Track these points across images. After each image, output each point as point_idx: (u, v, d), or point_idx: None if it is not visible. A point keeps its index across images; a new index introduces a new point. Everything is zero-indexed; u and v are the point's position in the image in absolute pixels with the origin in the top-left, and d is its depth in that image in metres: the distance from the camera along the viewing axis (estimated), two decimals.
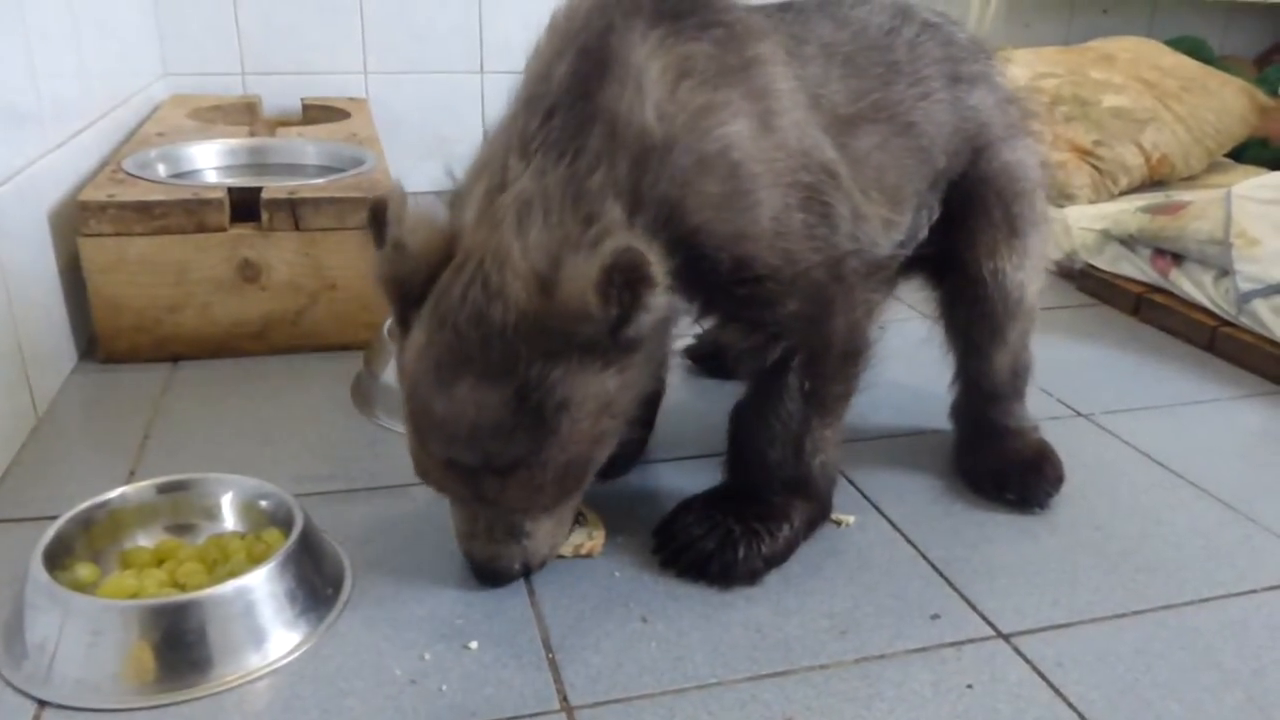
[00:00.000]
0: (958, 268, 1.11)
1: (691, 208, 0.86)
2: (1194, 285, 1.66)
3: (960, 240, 1.10)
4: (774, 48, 0.94)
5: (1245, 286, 1.54)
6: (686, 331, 1.38)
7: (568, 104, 0.85)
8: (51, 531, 0.91)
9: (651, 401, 1.19)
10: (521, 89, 0.90)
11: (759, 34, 0.93)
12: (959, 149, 1.08)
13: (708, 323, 1.08)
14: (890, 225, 1.04)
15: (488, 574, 0.94)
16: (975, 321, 1.13)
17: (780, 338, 0.95)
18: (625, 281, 0.76)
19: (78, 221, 1.36)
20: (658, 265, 0.77)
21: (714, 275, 0.89)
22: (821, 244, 0.93)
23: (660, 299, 0.78)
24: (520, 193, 0.82)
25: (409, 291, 0.86)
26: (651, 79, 0.85)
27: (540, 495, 0.87)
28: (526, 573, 0.95)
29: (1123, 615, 0.96)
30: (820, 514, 1.05)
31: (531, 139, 0.85)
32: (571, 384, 0.81)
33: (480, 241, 0.82)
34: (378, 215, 0.86)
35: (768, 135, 0.89)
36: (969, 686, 0.86)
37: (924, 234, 1.11)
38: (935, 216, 1.11)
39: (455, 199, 0.89)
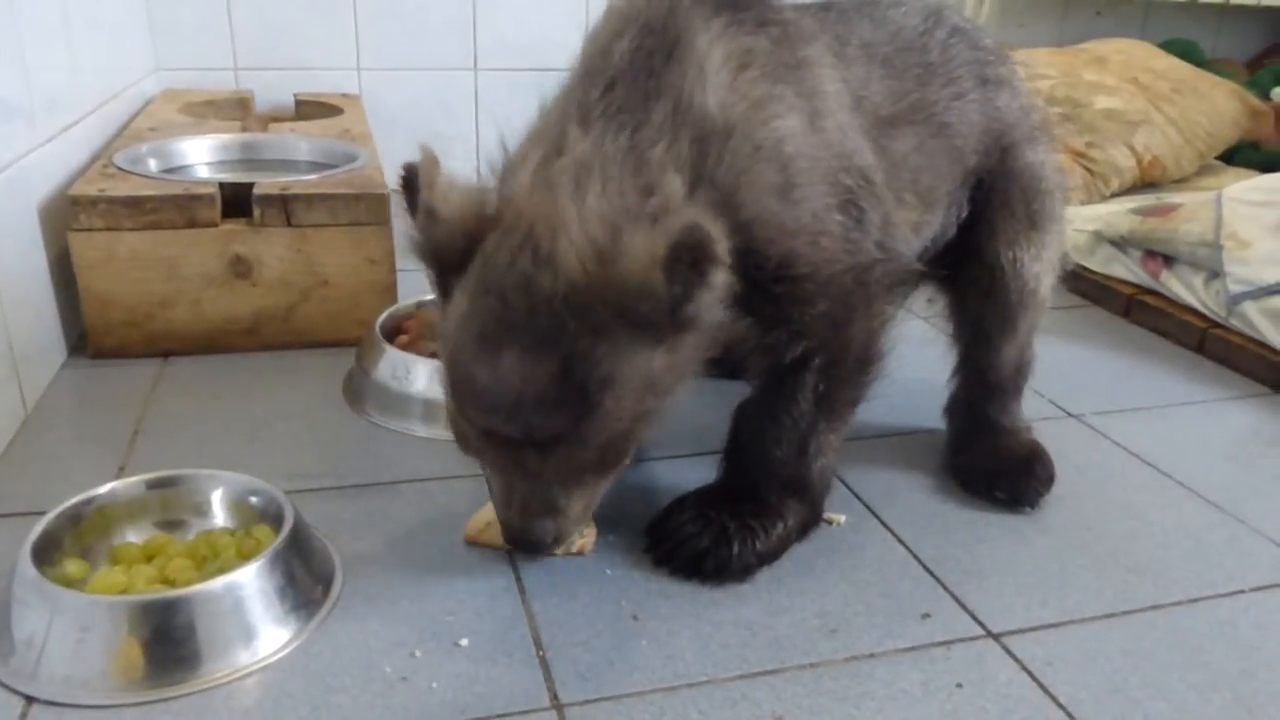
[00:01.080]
0: (976, 257, 1.13)
1: (746, 198, 0.86)
2: (1185, 287, 1.66)
3: (981, 231, 1.12)
4: (823, 50, 0.95)
5: (1235, 289, 1.55)
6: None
7: (630, 77, 0.85)
8: (40, 527, 0.91)
9: None
10: (579, 65, 0.90)
11: (810, 36, 0.94)
12: (989, 148, 1.10)
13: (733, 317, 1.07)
14: (920, 227, 1.05)
15: (523, 543, 0.91)
16: (989, 309, 1.14)
17: (802, 336, 0.95)
18: (692, 259, 0.74)
19: (68, 216, 1.35)
20: (723, 243, 0.76)
21: (759, 271, 0.88)
22: (853, 248, 0.93)
23: (723, 277, 0.77)
24: (579, 157, 0.81)
25: (446, 258, 0.84)
26: (715, 65, 0.86)
27: (580, 471, 0.85)
28: (557, 544, 0.92)
29: (1112, 615, 0.96)
30: (812, 518, 1.06)
31: (592, 108, 0.84)
32: (619, 360, 0.79)
33: (533, 206, 0.80)
34: (409, 182, 0.84)
35: (815, 134, 0.91)
36: (958, 686, 0.86)
37: (952, 232, 1.13)
38: (964, 214, 1.12)
39: (507, 167, 0.88)
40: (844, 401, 1.01)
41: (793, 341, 0.95)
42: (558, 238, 0.78)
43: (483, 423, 0.83)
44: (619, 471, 0.91)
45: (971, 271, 1.14)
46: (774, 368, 0.98)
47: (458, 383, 0.84)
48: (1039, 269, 1.13)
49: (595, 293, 0.77)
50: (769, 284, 0.90)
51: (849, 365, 0.98)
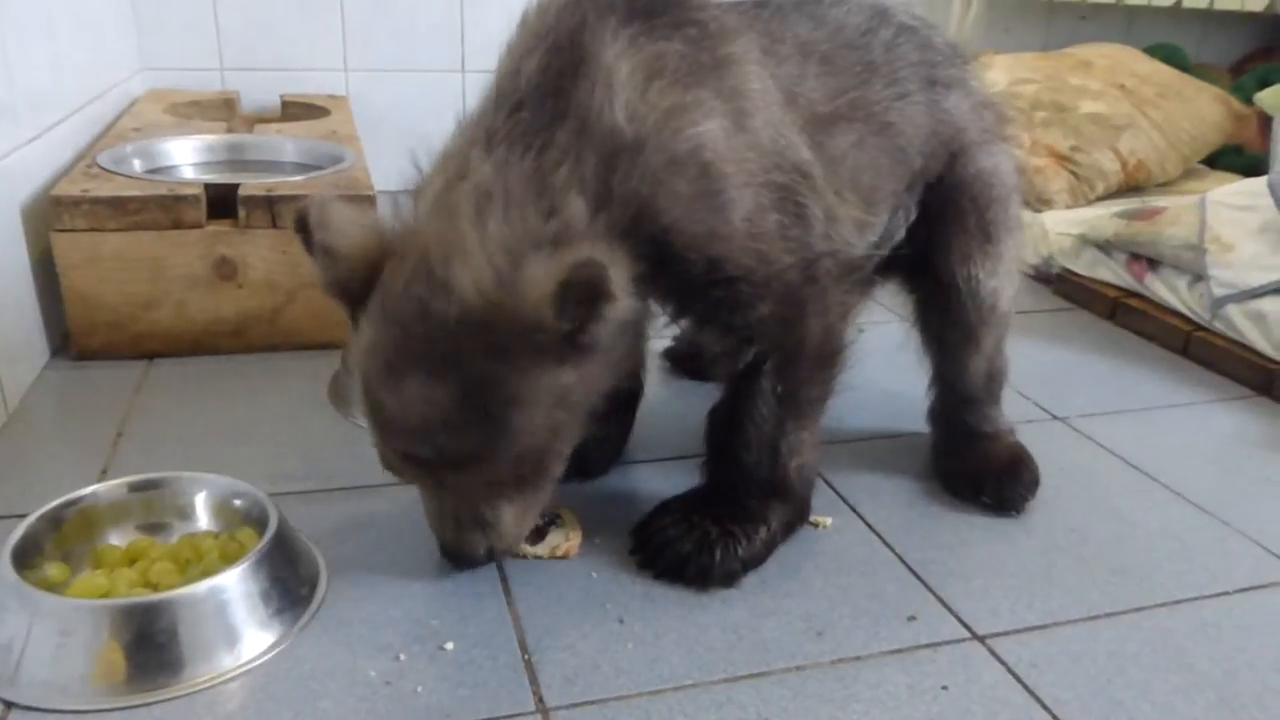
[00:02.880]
0: (932, 273, 1.12)
1: (662, 207, 0.85)
2: (1169, 290, 1.67)
3: (935, 246, 1.11)
4: (748, 46, 0.93)
5: (1219, 292, 1.56)
6: (665, 333, 1.38)
7: (537, 99, 0.84)
8: (20, 530, 0.90)
9: (630, 403, 1.18)
10: (490, 87, 0.90)
11: (733, 32, 0.93)
12: (935, 151, 1.09)
13: (684, 324, 1.07)
14: (864, 226, 1.04)
15: (455, 557, 0.93)
16: (949, 327, 1.14)
17: (752, 341, 0.95)
18: (581, 296, 0.76)
19: (51, 216, 1.34)
20: (618, 274, 0.76)
21: (687, 277, 0.89)
22: (795, 244, 0.93)
23: (620, 308, 0.78)
24: (479, 183, 0.82)
25: (350, 293, 0.85)
26: (622, 78, 0.85)
27: (499, 486, 0.87)
28: (493, 556, 0.93)
29: (1097, 617, 0.96)
30: (798, 517, 1.05)
31: (496, 132, 0.84)
32: (521, 381, 0.80)
33: (429, 232, 0.81)
34: (302, 224, 0.85)
35: (740, 135, 0.89)
36: (944, 688, 0.86)
37: (900, 235, 1.11)
38: (912, 218, 1.11)
39: (417, 190, 0.88)
40: (809, 399, 1.00)
41: (744, 346, 0.95)
42: (452, 263, 0.78)
43: (399, 446, 0.84)
44: (545, 488, 0.91)
45: (928, 288, 1.13)
46: (736, 372, 0.98)
47: (370, 410, 0.85)
48: (996, 284, 1.11)
49: (491, 318, 0.77)
50: (704, 289, 0.90)
51: (807, 362, 0.97)
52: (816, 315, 0.95)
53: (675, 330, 1.40)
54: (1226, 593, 1.01)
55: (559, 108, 0.84)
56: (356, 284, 0.85)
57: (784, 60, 0.97)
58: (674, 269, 0.87)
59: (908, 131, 1.05)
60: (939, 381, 1.20)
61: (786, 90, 0.95)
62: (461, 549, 0.91)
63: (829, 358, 0.99)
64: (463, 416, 0.80)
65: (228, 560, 0.92)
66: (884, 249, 1.11)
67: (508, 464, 0.84)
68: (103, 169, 1.46)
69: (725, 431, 1.01)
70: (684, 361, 1.45)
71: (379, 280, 0.83)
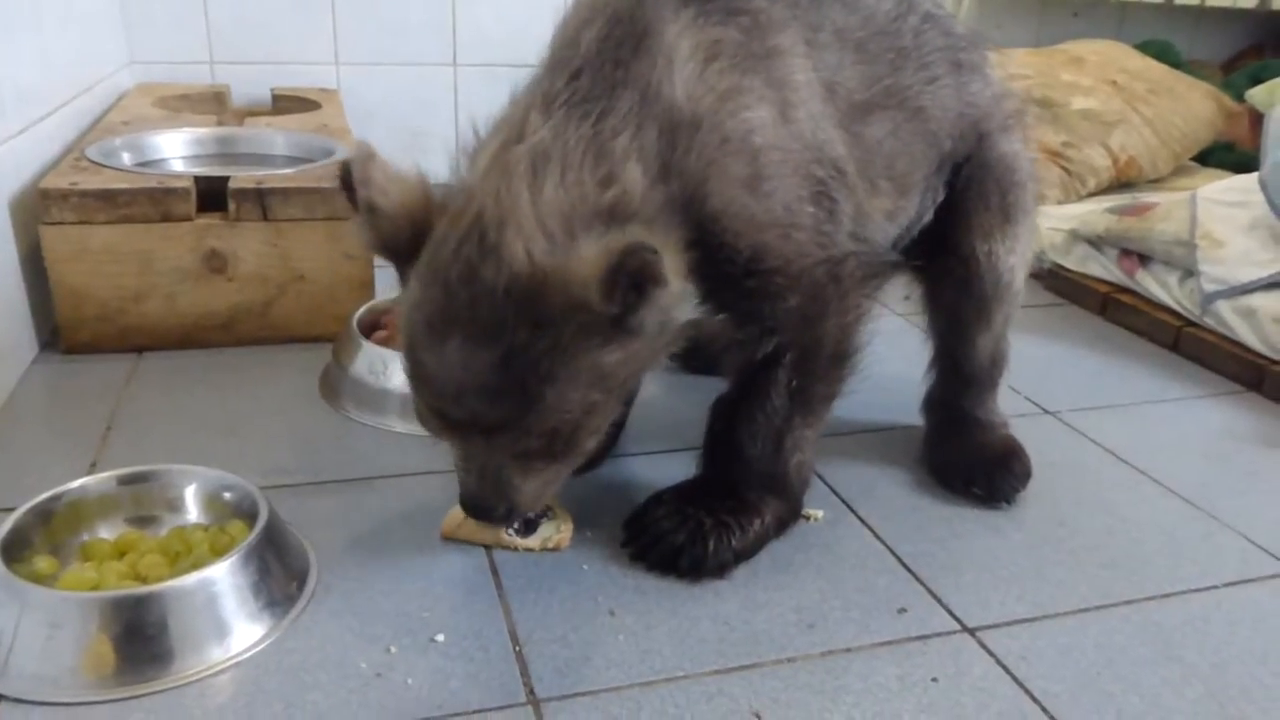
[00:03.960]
0: (950, 249, 1.13)
1: (714, 189, 0.85)
2: (1159, 286, 1.68)
3: (955, 222, 1.12)
4: (794, 39, 0.94)
5: (1209, 288, 1.56)
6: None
7: (596, 66, 0.85)
8: (9, 523, 0.90)
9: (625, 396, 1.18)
10: (547, 56, 0.90)
11: (780, 25, 0.94)
12: (964, 133, 1.11)
13: (706, 310, 1.08)
14: (895, 214, 1.05)
15: (474, 508, 0.92)
16: (963, 301, 1.14)
17: (775, 332, 0.95)
18: (632, 281, 0.75)
19: (39, 209, 1.33)
20: (670, 258, 0.76)
21: (727, 263, 0.88)
22: (826, 240, 0.93)
23: (670, 292, 0.77)
24: (537, 144, 0.81)
25: (396, 249, 0.85)
26: (683, 56, 0.85)
27: (527, 457, 0.86)
28: (510, 517, 0.93)
29: (1086, 610, 0.97)
30: (791, 514, 1.06)
31: (556, 96, 0.84)
32: (562, 355, 0.79)
33: (484, 193, 0.81)
34: (345, 181, 0.85)
35: (786, 125, 0.90)
36: (934, 680, 0.86)
37: (929, 217, 1.13)
38: (940, 199, 1.13)
39: (473, 152, 0.88)
40: (819, 397, 1.01)
41: (765, 337, 0.95)
42: (505, 228, 0.78)
43: (434, 405, 0.84)
44: (575, 461, 0.91)
45: (946, 263, 1.14)
46: (749, 363, 0.98)
47: (412, 367, 0.85)
48: (1013, 261, 1.13)
49: (537, 291, 0.77)
50: (740, 278, 0.90)
51: (823, 360, 0.98)
52: (836, 314, 0.96)
53: None
54: (1215, 586, 1.01)
55: (619, 76, 0.84)
56: (402, 241, 0.85)
57: (824, 49, 0.98)
58: (716, 254, 0.86)
59: (938, 115, 1.07)
60: (943, 362, 1.20)
61: (826, 81, 0.96)
62: (481, 501, 0.90)
63: (842, 357, 0.99)
64: (500, 385, 0.79)
65: (218, 553, 0.91)
66: (911, 234, 1.12)
67: (539, 437, 0.83)
68: (91, 162, 1.46)
69: (730, 422, 1.01)
70: (681, 355, 1.44)
71: (429, 238, 0.83)
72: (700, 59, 0.86)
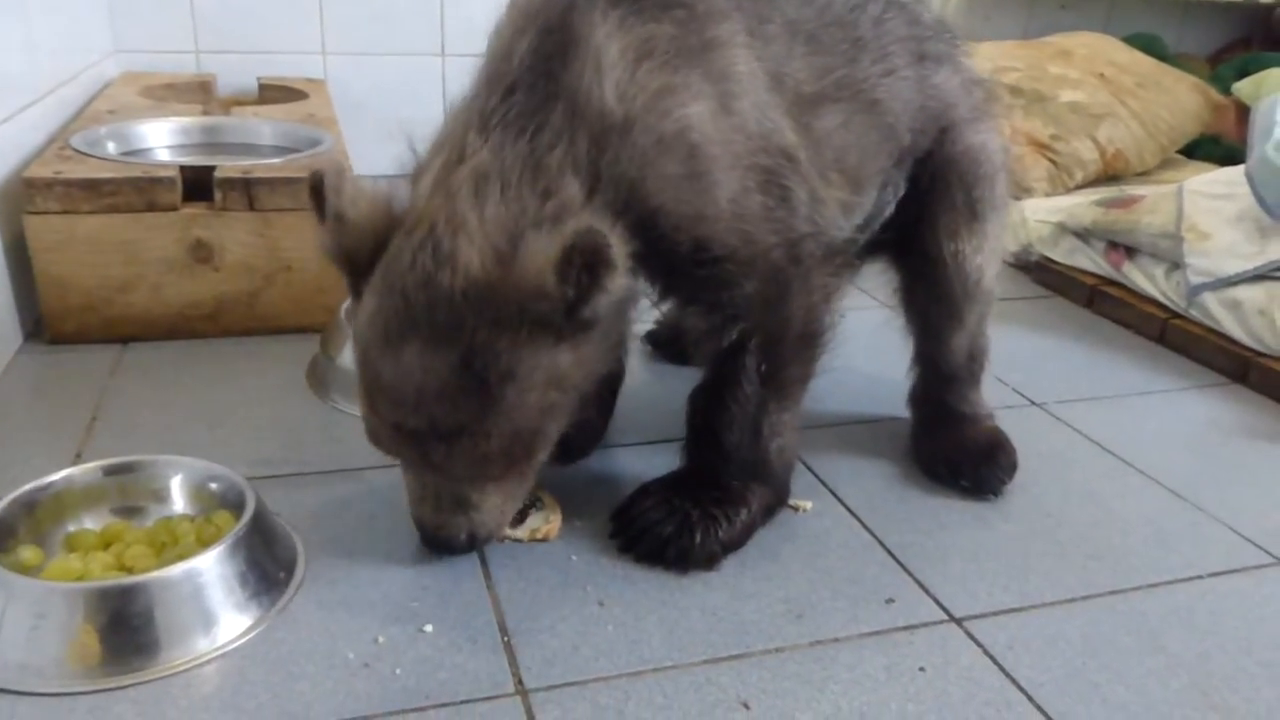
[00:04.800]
0: (918, 249, 1.13)
1: (651, 189, 0.86)
2: (1146, 278, 1.68)
3: (921, 222, 1.12)
4: (734, 29, 0.93)
5: (1195, 280, 1.57)
6: (647, 316, 1.38)
7: (529, 82, 0.85)
8: None
9: (611, 386, 1.18)
10: (482, 68, 0.90)
11: (720, 15, 0.93)
12: (925, 126, 1.09)
13: (668, 307, 1.08)
14: (849, 208, 1.04)
15: (435, 542, 0.93)
16: (934, 303, 1.14)
17: (737, 319, 0.95)
18: (585, 264, 0.77)
19: (23, 199, 1.32)
20: (618, 247, 0.77)
21: (674, 256, 0.89)
22: (780, 226, 0.93)
23: (619, 281, 0.79)
24: (477, 166, 0.83)
25: (357, 262, 0.86)
26: (611, 59, 0.85)
27: (486, 464, 0.86)
28: (473, 544, 0.93)
29: (1072, 600, 0.97)
30: (778, 500, 1.06)
31: (491, 115, 0.85)
32: (519, 355, 0.81)
33: (434, 208, 0.82)
34: (316, 189, 0.86)
35: (726, 117, 0.89)
36: (921, 669, 0.87)
37: (890, 211, 1.12)
38: (901, 193, 1.12)
39: (415, 174, 0.89)
40: (791, 380, 1.00)
41: (728, 324, 0.96)
42: (458, 237, 0.80)
43: (391, 417, 0.85)
44: (532, 470, 0.91)
45: (914, 263, 1.14)
46: (719, 352, 0.98)
47: (366, 379, 0.86)
48: (981, 260, 1.12)
49: (494, 290, 0.79)
50: (692, 269, 0.90)
51: (790, 343, 0.98)
52: (800, 295, 0.96)
53: (657, 314, 1.40)
54: (1200, 576, 1.02)
55: (550, 89, 0.84)
56: (363, 254, 0.86)
57: (771, 41, 0.97)
58: (662, 249, 0.87)
59: (896, 108, 1.06)
60: (921, 360, 1.20)
61: (773, 72, 0.95)
62: (441, 532, 0.91)
63: (811, 338, 0.99)
64: (458, 386, 0.81)
65: (204, 543, 0.91)
66: (872, 227, 1.11)
67: (498, 441, 0.84)
68: (76, 151, 1.44)
69: (707, 412, 1.01)
70: (666, 345, 1.45)
71: (385, 252, 0.84)
72: (630, 59, 0.86)
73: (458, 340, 0.80)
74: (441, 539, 0.92)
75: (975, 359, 1.20)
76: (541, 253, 0.77)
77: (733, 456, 1.01)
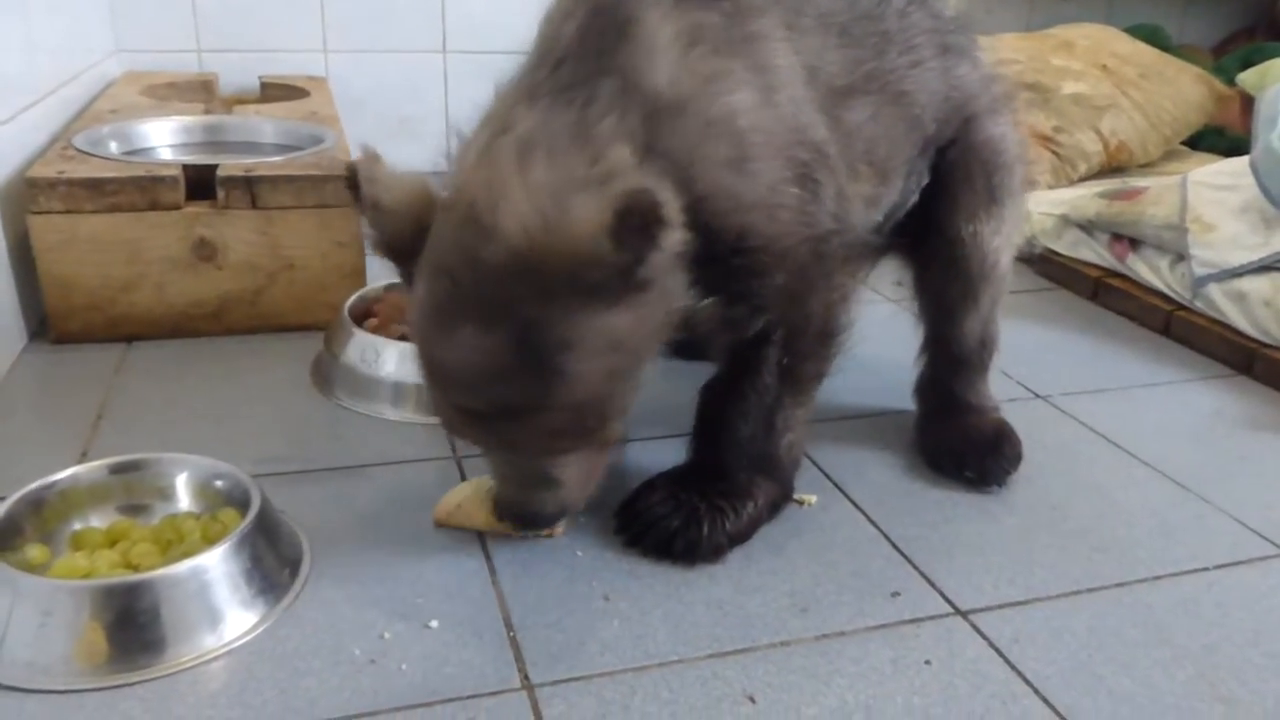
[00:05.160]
0: (936, 231, 1.13)
1: (699, 173, 0.85)
2: (1150, 270, 1.68)
3: (941, 204, 1.13)
4: (774, 23, 0.94)
5: (1200, 271, 1.57)
6: None
7: (579, 56, 0.85)
8: (0, 512, 0.89)
9: None
10: (531, 50, 0.90)
11: (760, 9, 0.94)
12: (948, 117, 1.11)
13: (694, 293, 1.08)
14: (875, 201, 1.05)
15: (523, 518, 0.91)
16: (950, 283, 1.15)
17: (763, 310, 0.95)
18: (641, 223, 0.74)
19: (26, 199, 1.32)
20: (672, 203, 0.75)
21: (713, 244, 0.87)
22: (808, 220, 0.93)
23: (675, 236, 0.77)
24: (522, 134, 0.81)
25: (400, 248, 0.85)
26: (665, 41, 0.85)
27: (559, 438, 0.85)
28: (560, 516, 0.92)
29: (1078, 593, 0.97)
30: (783, 496, 1.06)
31: (539, 87, 0.84)
32: (574, 324, 0.78)
33: (474, 181, 0.81)
34: (351, 179, 0.85)
35: (767, 109, 0.90)
36: (927, 663, 0.87)
37: (913, 199, 1.13)
38: (924, 182, 1.13)
39: (460, 153, 0.88)
40: (808, 375, 1.01)
41: (753, 315, 0.96)
42: (499, 208, 0.78)
43: (455, 401, 0.84)
44: (611, 438, 0.89)
45: (932, 245, 1.14)
46: (737, 344, 0.98)
47: (426, 365, 0.85)
48: (999, 242, 1.14)
49: (541, 260, 0.76)
50: (727, 257, 0.90)
51: (810, 338, 0.98)
52: (822, 293, 0.96)
53: None
54: (1206, 568, 1.02)
55: (601, 64, 0.84)
56: (406, 241, 0.85)
57: (806, 34, 0.97)
58: (702, 236, 0.85)
59: (922, 99, 1.07)
60: (932, 347, 1.21)
61: (808, 65, 0.96)
62: (529, 508, 0.89)
63: (829, 336, 1.00)
64: (517, 364, 0.79)
65: (210, 541, 0.91)
66: (896, 216, 1.12)
67: (567, 413, 0.82)
68: (79, 151, 1.45)
69: (721, 404, 1.01)
70: (672, 340, 1.44)
71: (429, 235, 0.83)
72: (682, 44, 0.86)
73: (509, 317, 0.78)
74: (529, 515, 0.90)
75: (986, 346, 1.20)
76: (591, 217, 0.74)
77: (744, 448, 1.01)
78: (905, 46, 1.05)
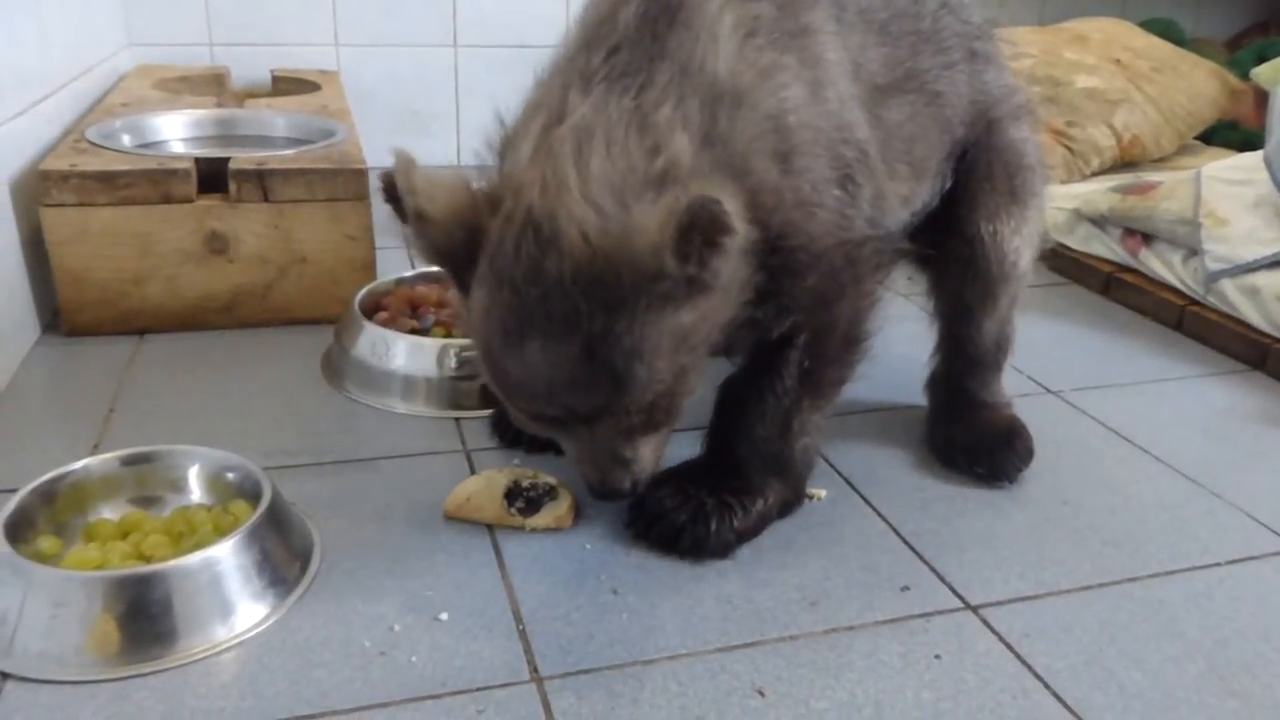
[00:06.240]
0: (956, 231, 1.13)
1: (754, 166, 0.85)
2: (1163, 265, 1.67)
3: (962, 204, 1.12)
4: (824, 17, 0.94)
5: (1213, 266, 1.56)
6: None
7: (634, 41, 0.84)
8: (12, 504, 0.90)
9: None
10: (577, 33, 0.89)
11: (810, 2, 0.93)
12: (975, 120, 1.11)
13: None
14: (910, 199, 1.05)
15: (604, 493, 0.92)
16: (970, 282, 1.14)
17: (790, 311, 0.94)
18: (703, 237, 0.73)
19: (39, 191, 1.33)
20: (734, 206, 0.75)
21: (761, 243, 0.87)
22: (845, 223, 0.93)
23: (739, 238, 0.76)
24: (579, 122, 0.80)
25: (452, 256, 0.84)
26: (725, 30, 0.85)
27: (631, 433, 0.86)
28: (636, 489, 0.92)
29: (1088, 587, 0.97)
30: (795, 498, 1.05)
31: (594, 73, 0.83)
32: (641, 332, 0.78)
33: (530, 182, 0.79)
34: (391, 192, 0.83)
35: (817, 104, 0.90)
36: (937, 657, 0.87)
37: (936, 203, 1.13)
38: (949, 185, 1.13)
39: (506, 141, 0.86)
40: (829, 381, 1.00)
41: (781, 316, 0.95)
42: (557, 218, 0.77)
43: (527, 409, 0.84)
44: (677, 416, 0.90)
45: (952, 244, 1.14)
46: (761, 344, 0.98)
47: (494, 375, 0.84)
48: (1019, 243, 1.13)
49: (603, 271, 0.76)
50: (766, 255, 0.89)
51: (835, 343, 0.98)
52: (851, 298, 0.96)
53: None
54: (1217, 564, 1.01)
55: (658, 50, 0.83)
56: (456, 246, 0.83)
57: (851, 29, 0.97)
58: (751, 235, 0.85)
59: (954, 101, 1.07)
60: (948, 344, 1.20)
61: (854, 61, 0.96)
62: (609, 485, 0.90)
63: (854, 342, 0.99)
64: (588, 375, 0.79)
65: (221, 533, 0.91)
66: (918, 222, 1.12)
67: (639, 412, 0.83)
68: (91, 144, 1.45)
69: (739, 402, 1.01)
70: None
71: (485, 240, 0.81)
72: (741, 34, 0.86)
73: (576, 330, 0.77)
74: (609, 490, 0.91)
75: (1001, 346, 1.20)
76: (654, 229, 0.74)
77: (759, 448, 1.00)
78: (939, 48, 1.05)
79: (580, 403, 0.81)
